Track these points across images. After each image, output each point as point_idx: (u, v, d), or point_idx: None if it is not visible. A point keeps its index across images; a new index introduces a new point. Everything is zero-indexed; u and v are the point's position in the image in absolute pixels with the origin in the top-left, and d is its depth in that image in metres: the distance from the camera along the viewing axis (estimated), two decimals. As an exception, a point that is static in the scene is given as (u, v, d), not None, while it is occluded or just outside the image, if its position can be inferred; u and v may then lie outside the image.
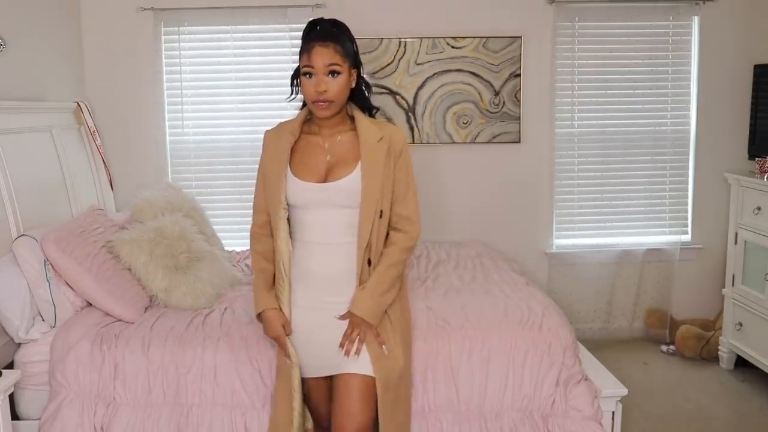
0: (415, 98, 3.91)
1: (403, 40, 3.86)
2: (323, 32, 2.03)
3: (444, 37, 3.87)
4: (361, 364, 2.06)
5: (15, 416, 2.50)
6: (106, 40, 3.80)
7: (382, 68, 3.85)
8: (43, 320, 2.60)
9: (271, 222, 2.13)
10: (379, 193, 2.04)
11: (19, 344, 2.56)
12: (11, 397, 2.27)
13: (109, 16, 3.78)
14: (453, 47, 3.87)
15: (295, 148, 2.11)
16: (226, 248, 3.53)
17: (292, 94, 2.14)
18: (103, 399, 2.42)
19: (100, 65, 3.81)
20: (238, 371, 2.41)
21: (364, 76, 2.15)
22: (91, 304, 2.70)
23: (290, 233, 2.13)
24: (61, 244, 2.58)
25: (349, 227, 2.06)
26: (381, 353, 2.07)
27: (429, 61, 3.88)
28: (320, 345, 2.10)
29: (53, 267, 2.60)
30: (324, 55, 1.98)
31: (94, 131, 3.53)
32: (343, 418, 2.03)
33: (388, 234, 2.14)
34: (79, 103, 3.50)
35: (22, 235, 2.62)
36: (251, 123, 3.81)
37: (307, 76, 2.01)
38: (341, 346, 2.06)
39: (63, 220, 2.93)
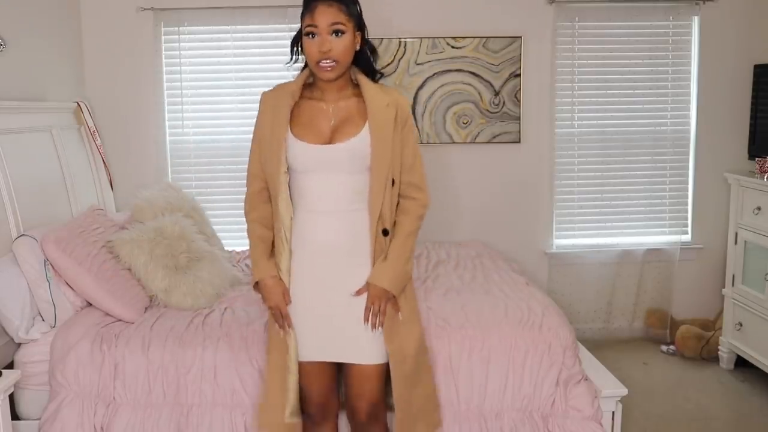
0: (415, 98, 3.91)
1: (403, 40, 3.86)
2: None
3: (444, 37, 3.87)
4: (373, 353, 2.02)
5: (15, 416, 2.50)
6: (106, 40, 3.80)
7: (382, 68, 3.83)
8: (43, 320, 2.60)
9: (269, 188, 2.05)
10: (389, 159, 1.97)
11: (19, 344, 2.56)
12: (11, 397, 2.27)
13: (109, 16, 3.78)
14: (453, 47, 3.87)
15: (295, 111, 2.03)
16: (226, 248, 3.53)
17: (291, 58, 2.06)
18: (103, 399, 2.42)
19: (100, 65, 3.81)
20: (238, 371, 2.41)
21: (368, 39, 2.07)
22: (91, 304, 2.71)
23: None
24: (61, 244, 2.58)
25: (355, 194, 2.00)
26: (395, 324, 2.03)
27: (429, 61, 3.88)
28: (321, 322, 2.03)
29: (53, 267, 2.61)
30: (328, 14, 1.90)
31: (94, 131, 3.53)
32: (357, 400, 2.06)
33: (398, 204, 2.08)
34: (79, 103, 3.50)
35: (22, 235, 2.62)
36: (251, 123, 3.78)
37: (310, 36, 1.93)
38: (366, 320, 2.00)
39: (63, 220, 2.93)
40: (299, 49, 2.02)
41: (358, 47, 2.00)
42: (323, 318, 2.03)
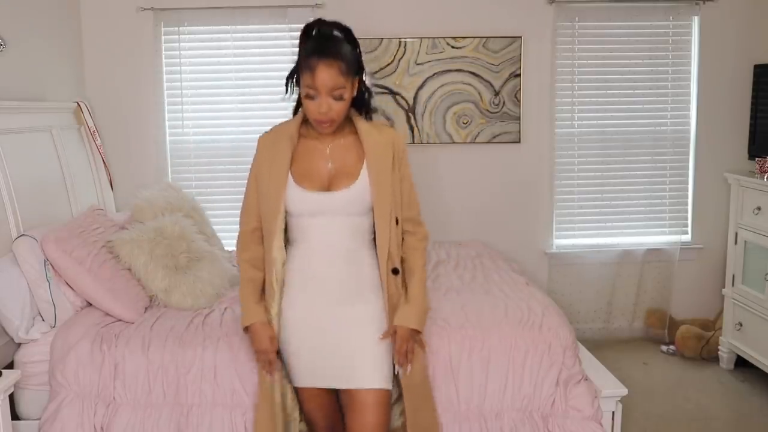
0: (415, 98, 3.91)
1: (403, 40, 3.86)
2: (325, 45, 1.89)
3: (444, 37, 3.87)
4: (375, 378, 2.00)
5: (15, 416, 2.50)
6: (106, 40, 3.80)
7: (382, 68, 3.86)
8: (43, 320, 2.60)
9: (263, 228, 2.04)
10: (390, 200, 1.99)
11: (19, 344, 2.56)
12: (11, 397, 2.27)
13: (109, 16, 3.78)
14: (453, 47, 3.87)
15: (293, 153, 2.02)
16: (226, 248, 3.53)
17: (287, 93, 2.02)
18: (103, 399, 2.42)
19: (100, 65, 3.81)
20: (238, 371, 2.41)
21: (366, 80, 2.04)
22: (91, 304, 2.71)
23: (287, 239, 2.05)
24: (61, 244, 2.58)
25: (354, 234, 2.01)
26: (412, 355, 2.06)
27: (429, 61, 3.88)
28: (319, 351, 2.01)
29: (53, 267, 2.61)
30: (328, 77, 1.86)
31: (94, 131, 3.53)
32: (360, 428, 1.98)
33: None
34: (79, 103, 3.50)
35: (22, 235, 2.62)
36: (251, 123, 3.81)
37: (309, 97, 1.91)
38: (399, 364, 2.02)
39: (63, 220, 2.92)
40: (295, 81, 1.98)
41: (355, 93, 1.98)
42: (321, 350, 2.01)
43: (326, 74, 1.86)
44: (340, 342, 2.01)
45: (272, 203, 1.98)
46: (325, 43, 1.90)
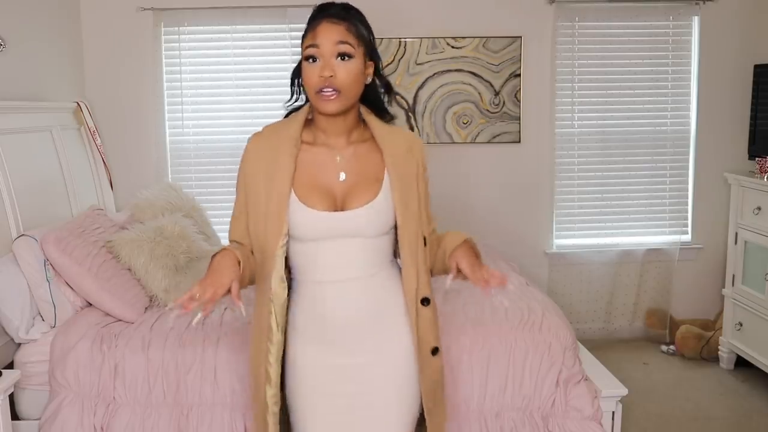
0: (415, 98, 3.91)
1: (403, 40, 3.86)
2: (332, 6, 1.61)
3: (444, 37, 3.87)
4: (394, 424, 1.68)
5: (15, 416, 2.50)
6: (106, 40, 3.80)
7: (382, 68, 3.85)
8: (43, 320, 2.60)
9: (255, 253, 1.66)
10: (418, 218, 1.65)
11: (19, 344, 2.56)
12: (11, 397, 2.27)
13: (109, 16, 3.78)
14: (453, 47, 3.87)
15: (296, 161, 1.62)
16: (226, 248, 3.53)
17: (292, 96, 1.69)
18: (103, 399, 2.42)
19: (100, 65, 3.81)
20: (238, 371, 2.41)
21: (383, 73, 1.71)
22: (91, 304, 2.71)
23: (288, 270, 1.68)
24: (61, 244, 2.58)
25: (378, 257, 1.66)
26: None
27: (429, 61, 3.88)
28: (337, 410, 1.66)
29: (53, 267, 2.60)
30: (332, 32, 1.55)
31: (94, 131, 3.53)
32: None
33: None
34: (79, 103, 3.50)
35: (22, 235, 2.62)
36: (251, 123, 3.81)
37: (311, 60, 1.56)
38: (484, 285, 1.53)
39: (63, 220, 2.92)
40: (300, 81, 1.64)
41: (368, 80, 1.64)
42: (341, 406, 1.66)
43: (331, 27, 1.55)
44: (362, 396, 1.66)
45: (271, 226, 1.59)
46: (331, 6, 1.62)
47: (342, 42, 1.55)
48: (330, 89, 1.54)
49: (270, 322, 1.64)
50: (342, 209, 1.61)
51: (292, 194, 1.59)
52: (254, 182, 1.63)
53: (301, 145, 1.64)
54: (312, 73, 1.56)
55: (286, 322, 1.69)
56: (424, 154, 1.72)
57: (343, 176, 1.63)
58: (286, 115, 1.71)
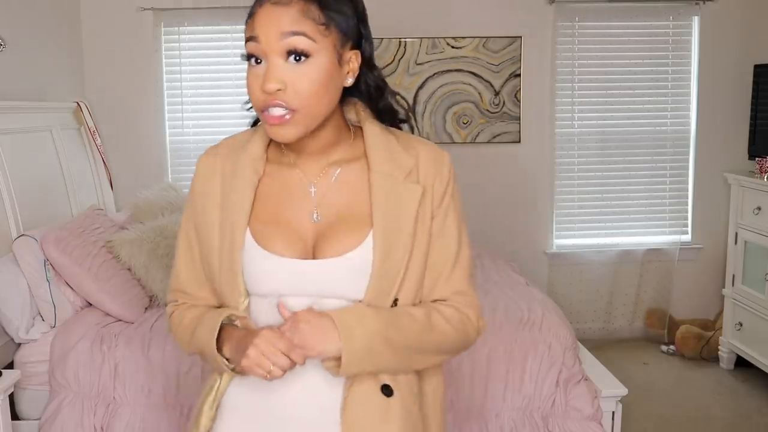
0: (415, 98, 3.91)
1: (403, 40, 3.86)
2: None
3: (444, 37, 3.87)
4: None
5: (15, 416, 2.50)
6: (106, 40, 3.79)
7: (382, 68, 3.83)
8: (43, 320, 2.60)
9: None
10: (399, 273, 1.13)
11: (19, 344, 2.56)
12: (11, 397, 2.27)
13: (109, 16, 3.78)
14: (453, 47, 3.87)
15: (256, 190, 1.17)
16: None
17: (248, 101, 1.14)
18: (103, 399, 2.42)
19: (100, 65, 3.81)
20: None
21: (375, 62, 1.18)
22: (91, 304, 2.70)
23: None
24: (61, 244, 2.58)
25: None
26: None
27: (429, 61, 3.88)
28: None
29: (53, 267, 2.60)
30: (276, 18, 1.03)
31: (94, 131, 3.53)
32: None
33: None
34: (79, 103, 3.50)
35: (22, 235, 2.62)
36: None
37: (253, 61, 1.07)
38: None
39: (63, 220, 2.92)
40: None
41: (351, 78, 1.12)
42: None
43: (273, 12, 1.04)
44: None
45: (225, 277, 1.15)
46: None
47: (292, 32, 1.03)
48: (279, 108, 1.05)
49: (210, 402, 1.19)
50: (313, 257, 1.13)
51: (250, 237, 1.14)
52: (205, 218, 1.18)
53: (266, 166, 1.18)
54: (254, 83, 1.07)
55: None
56: (450, 177, 1.18)
57: (316, 215, 1.15)
58: (253, 124, 1.25)
